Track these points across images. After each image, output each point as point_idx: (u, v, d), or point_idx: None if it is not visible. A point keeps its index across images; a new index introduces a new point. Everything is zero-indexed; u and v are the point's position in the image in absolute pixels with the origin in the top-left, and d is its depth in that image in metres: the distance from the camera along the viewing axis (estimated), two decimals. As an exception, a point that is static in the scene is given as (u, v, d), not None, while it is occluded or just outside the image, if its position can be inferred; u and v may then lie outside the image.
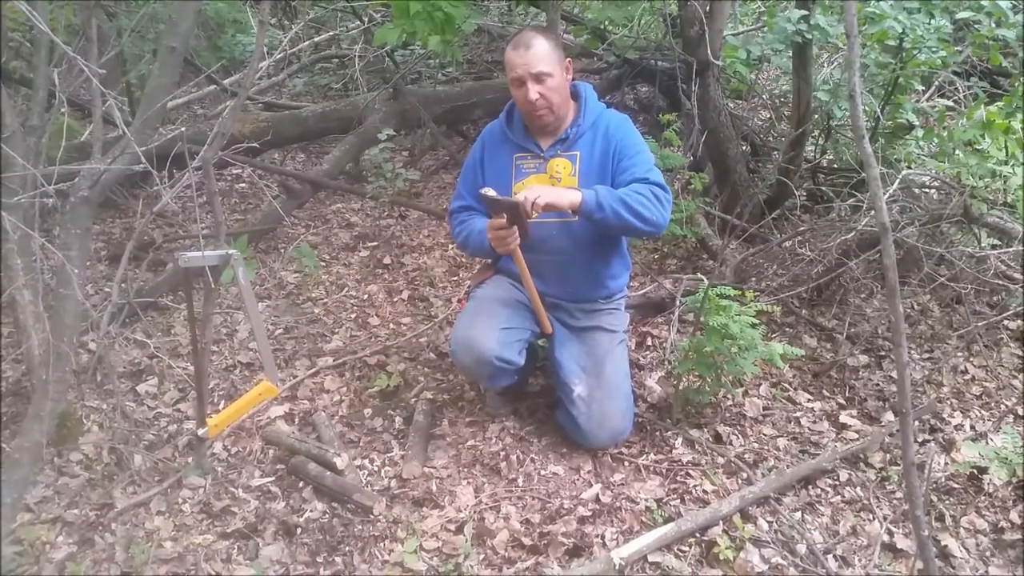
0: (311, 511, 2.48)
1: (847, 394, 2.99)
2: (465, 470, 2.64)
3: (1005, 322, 3.31)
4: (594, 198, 2.40)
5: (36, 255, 2.55)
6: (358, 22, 6.24)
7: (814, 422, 2.84)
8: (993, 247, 3.34)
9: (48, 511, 2.47)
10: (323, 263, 4.15)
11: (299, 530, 2.40)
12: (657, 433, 2.78)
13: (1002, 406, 2.91)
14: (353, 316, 3.69)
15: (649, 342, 3.35)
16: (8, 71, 4.31)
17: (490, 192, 2.45)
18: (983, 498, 2.46)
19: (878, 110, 3.84)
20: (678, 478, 2.57)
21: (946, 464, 2.61)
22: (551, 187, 2.48)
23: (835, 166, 4.51)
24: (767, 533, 2.33)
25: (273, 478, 2.64)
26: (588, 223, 2.48)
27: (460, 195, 2.79)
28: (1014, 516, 2.37)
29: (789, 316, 3.44)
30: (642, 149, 2.60)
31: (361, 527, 2.41)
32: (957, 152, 3.32)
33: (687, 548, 2.28)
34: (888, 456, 2.64)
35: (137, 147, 2.20)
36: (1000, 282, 3.24)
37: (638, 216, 2.41)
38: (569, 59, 2.57)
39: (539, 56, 2.44)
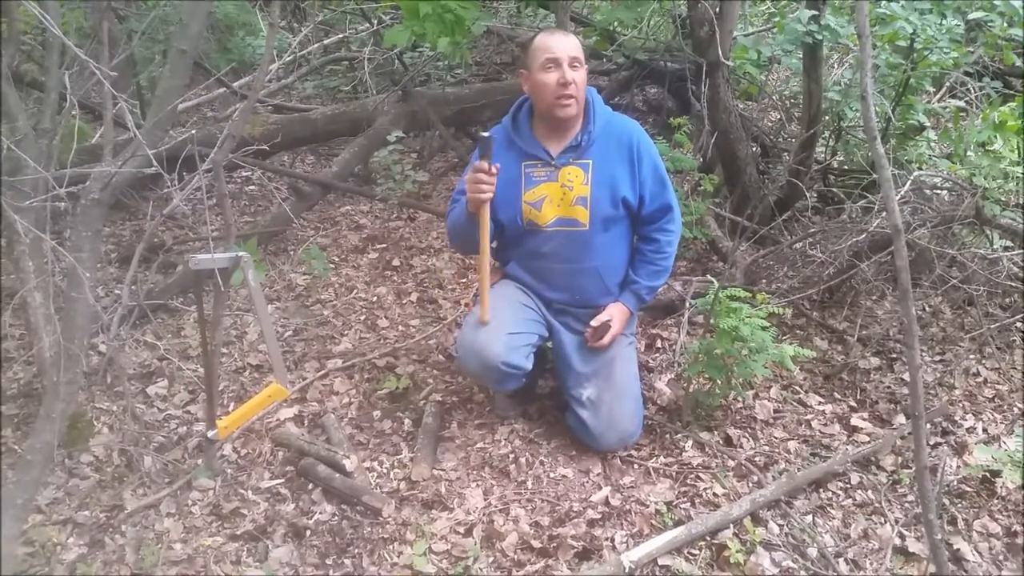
0: (320, 513, 2.48)
1: (858, 397, 2.98)
2: (474, 472, 2.64)
3: (1018, 324, 3.28)
4: (638, 304, 2.74)
5: (47, 257, 2.56)
6: (367, 24, 6.25)
7: (825, 425, 2.83)
8: (1005, 249, 3.32)
9: (59, 512, 2.48)
10: (332, 265, 4.16)
11: (308, 532, 2.40)
12: (667, 436, 2.77)
13: (1015, 409, 2.88)
14: (362, 318, 3.69)
15: (659, 344, 3.34)
16: (20, 74, 4.33)
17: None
18: (996, 501, 2.44)
19: (889, 111, 3.81)
20: (688, 481, 2.56)
21: (958, 467, 2.59)
22: (616, 320, 2.66)
23: (846, 167, 4.49)
24: (778, 536, 2.32)
25: (282, 480, 2.64)
26: (597, 233, 2.59)
27: (458, 198, 2.75)
28: (1028, 520, 2.35)
29: (800, 318, 3.42)
30: (662, 166, 2.65)
31: (370, 529, 2.41)
32: (970, 153, 3.30)
33: (697, 551, 2.27)
34: (900, 459, 2.62)
35: (148, 149, 2.20)
36: (1012, 284, 3.22)
37: (665, 276, 2.76)
38: (585, 67, 2.56)
39: (575, 44, 2.48)
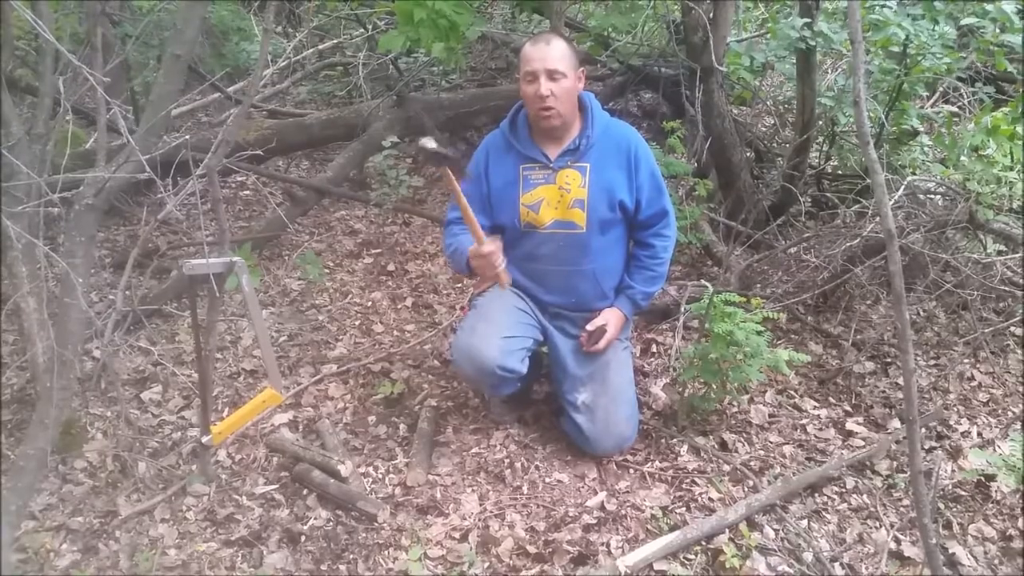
0: (315, 519, 2.47)
1: (853, 401, 2.98)
2: (469, 477, 2.63)
3: (1011, 328, 3.30)
4: (633, 309, 2.75)
5: (41, 263, 2.55)
6: (362, 30, 6.26)
7: (820, 429, 2.83)
8: (999, 253, 3.33)
9: (52, 518, 2.47)
10: (327, 270, 4.15)
11: (303, 538, 2.39)
12: (662, 440, 2.77)
13: (1009, 413, 2.89)
14: (357, 323, 3.69)
15: (654, 349, 3.34)
16: (14, 79, 4.32)
17: (429, 144, 2.12)
18: (991, 505, 2.44)
19: (883, 116, 3.83)
20: (684, 486, 2.56)
21: (953, 471, 2.60)
22: (612, 325, 2.67)
23: (840, 172, 4.51)
24: (773, 541, 2.32)
25: (277, 485, 2.63)
26: (594, 236, 2.59)
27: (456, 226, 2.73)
28: (1022, 524, 2.35)
29: (794, 323, 3.43)
30: (658, 173, 2.66)
31: (365, 535, 2.40)
32: (963, 158, 3.32)
33: (693, 556, 2.26)
34: (895, 463, 2.63)
35: (141, 155, 2.20)
36: (1006, 288, 3.23)
37: (661, 281, 2.76)
38: (583, 69, 2.55)
39: (556, 55, 2.44)
